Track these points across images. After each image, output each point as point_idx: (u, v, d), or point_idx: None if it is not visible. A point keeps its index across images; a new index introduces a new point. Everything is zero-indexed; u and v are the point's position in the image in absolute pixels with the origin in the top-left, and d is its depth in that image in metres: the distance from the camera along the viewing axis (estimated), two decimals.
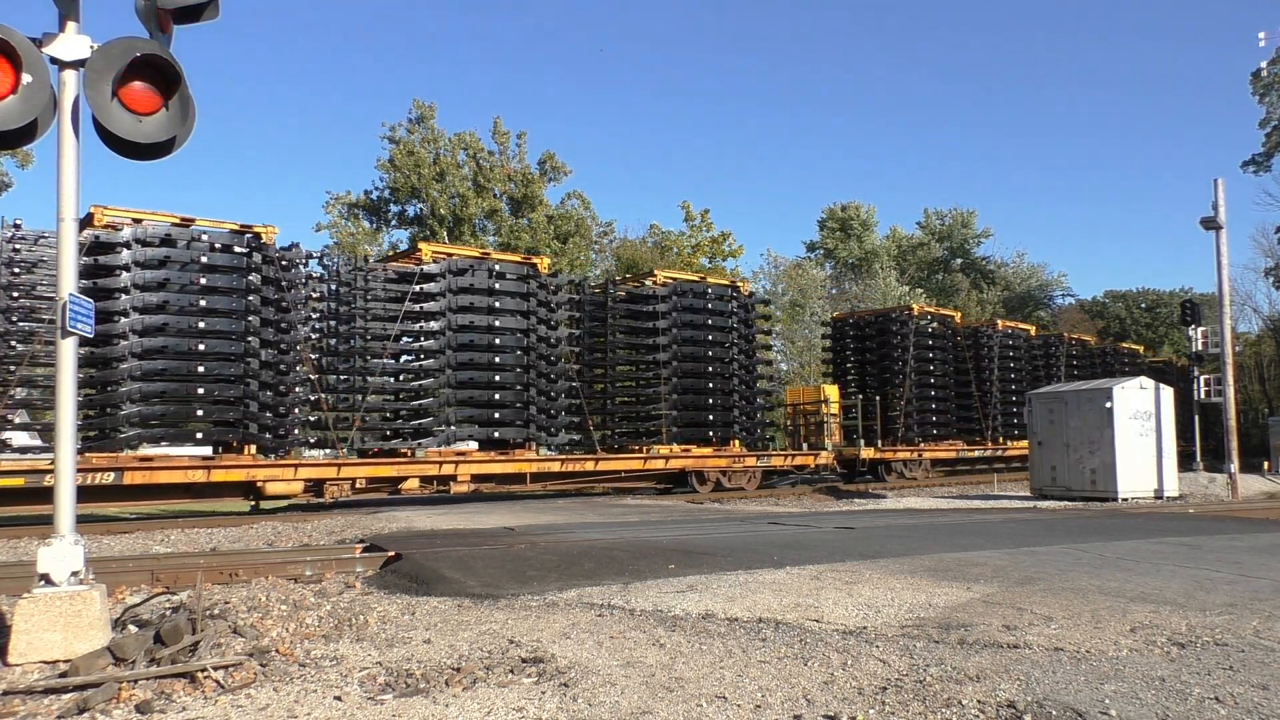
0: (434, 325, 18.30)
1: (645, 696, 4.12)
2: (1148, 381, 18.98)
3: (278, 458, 16.25)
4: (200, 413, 15.54)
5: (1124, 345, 38.35)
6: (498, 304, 19.02)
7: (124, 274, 15.08)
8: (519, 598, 6.62)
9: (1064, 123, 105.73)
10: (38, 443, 15.83)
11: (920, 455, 26.63)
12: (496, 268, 19.27)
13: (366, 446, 18.20)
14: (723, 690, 4.21)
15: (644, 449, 21.33)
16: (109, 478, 14.41)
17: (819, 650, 4.92)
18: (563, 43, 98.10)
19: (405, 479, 17.72)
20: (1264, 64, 42.62)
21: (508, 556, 8.64)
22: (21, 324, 14.76)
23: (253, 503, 16.82)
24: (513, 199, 44.62)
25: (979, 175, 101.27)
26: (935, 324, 27.86)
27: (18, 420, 15.67)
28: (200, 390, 15.53)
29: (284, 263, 16.59)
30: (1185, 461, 24.47)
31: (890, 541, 9.77)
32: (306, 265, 17.03)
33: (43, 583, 4.94)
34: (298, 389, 16.55)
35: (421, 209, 44.51)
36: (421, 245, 19.31)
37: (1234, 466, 19.88)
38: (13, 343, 14.79)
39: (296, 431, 16.52)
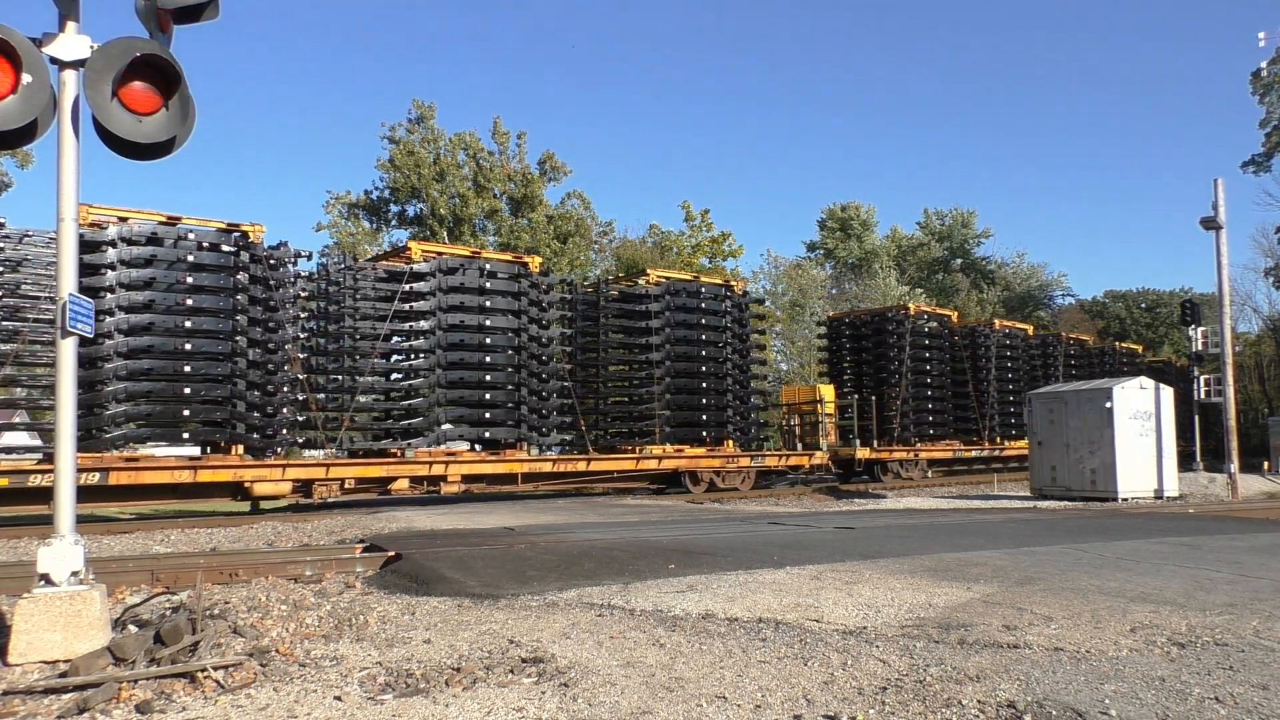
0: (424, 325, 18.27)
1: (645, 696, 4.13)
2: (1148, 381, 19.01)
3: (267, 458, 16.20)
4: (187, 413, 15.50)
5: (1122, 345, 38.36)
6: (488, 303, 18.99)
7: (110, 273, 15.03)
8: (519, 598, 6.64)
9: (1064, 123, 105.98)
10: (26, 442, 15.78)
11: (917, 455, 26.64)
12: (487, 267, 19.24)
13: (356, 447, 18.18)
14: (723, 690, 4.22)
15: (637, 449, 21.32)
16: (94, 478, 14.36)
17: (819, 650, 4.93)
18: (563, 43, 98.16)
19: (395, 479, 17.67)
20: (1264, 64, 42.72)
21: (508, 556, 8.66)
22: (5, 323, 14.59)
23: (252, 503, 16.77)
24: (513, 199, 44.67)
25: (979, 175, 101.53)
26: (932, 324, 27.90)
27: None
28: (187, 390, 15.48)
29: (272, 261, 16.51)
30: (1185, 461, 24.52)
31: (890, 541, 9.79)
32: (295, 264, 16.97)
33: (43, 583, 4.96)
34: (286, 389, 16.50)
35: (421, 209, 44.59)
36: (411, 244, 19.27)
37: (1234, 466, 19.92)
38: None
39: (285, 432, 16.47)
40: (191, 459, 15.72)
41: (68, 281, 5.22)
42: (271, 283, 16.41)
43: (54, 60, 5.07)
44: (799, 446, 25.55)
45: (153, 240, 15.47)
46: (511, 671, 4.58)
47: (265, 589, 7.27)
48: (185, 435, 15.56)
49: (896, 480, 25.64)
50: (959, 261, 63.20)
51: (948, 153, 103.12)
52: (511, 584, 7.15)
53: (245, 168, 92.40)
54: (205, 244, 15.86)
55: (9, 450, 15.31)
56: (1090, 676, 4.34)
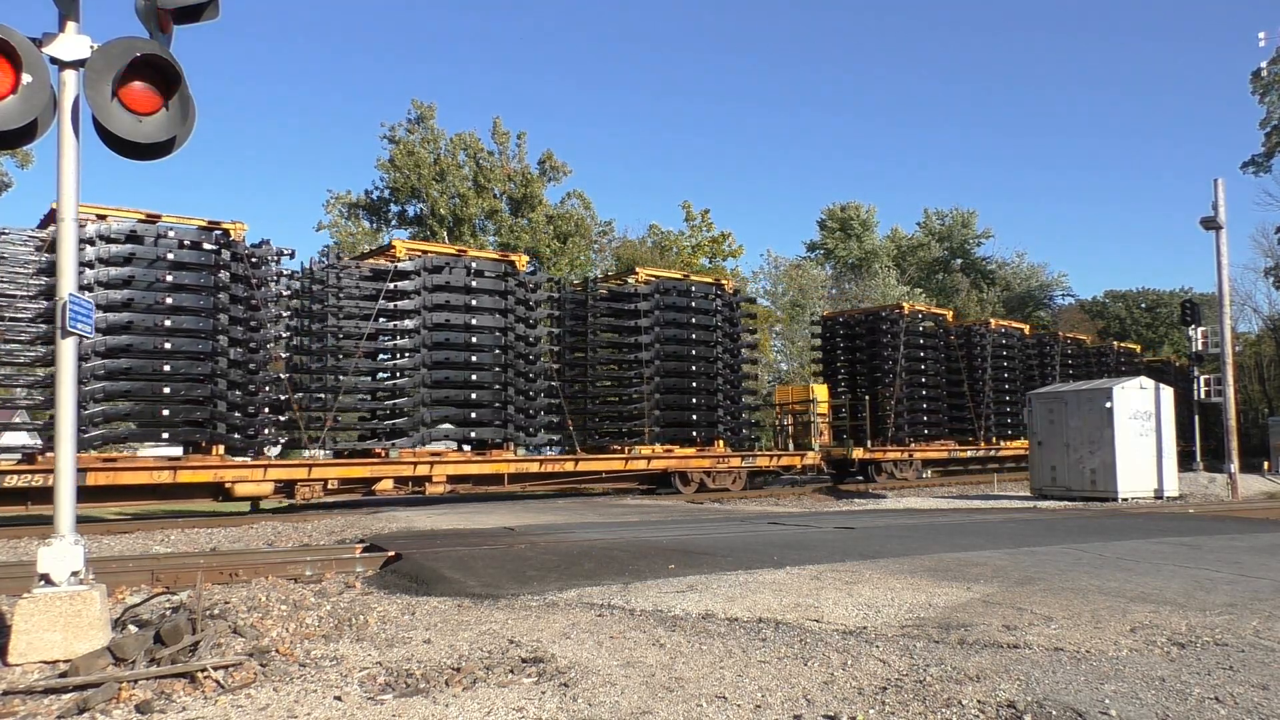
0: (409, 324, 18.21)
1: (645, 696, 4.15)
2: (1148, 381, 19.06)
3: (249, 458, 16.14)
4: (167, 413, 15.40)
5: (1120, 344, 38.34)
6: (474, 302, 18.92)
7: (88, 271, 14.93)
8: (519, 598, 6.66)
9: (1064, 123, 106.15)
10: (9, 442, 15.64)
11: (911, 456, 26.62)
12: (473, 265, 19.15)
13: (340, 447, 18.14)
14: (723, 690, 4.24)
15: (626, 449, 21.30)
16: None
17: (819, 650, 4.95)
18: (563, 43, 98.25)
19: (379, 480, 17.60)
20: (1264, 64, 42.72)
21: (508, 556, 8.68)
22: None
23: (252, 503, 16.75)
24: (513, 199, 44.73)
25: (979, 175, 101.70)
26: (927, 323, 27.85)
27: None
28: (167, 390, 15.38)
29: (254, 260, 16.44)
30: (1185, 461, 24.59)
31: (890, 541, 9.81)
32: (278, 262, 16.88)
33: (43, 583, 5.00)
34: (268, 388, 16.45)
35: (421, 209, 44.67)
36: (395, 242, 19.19)
37: (1234, 466, 19.97)
38: None
39: (267, 431, 16.40)
40: (172, 459, 15.66)
41: (68, 281, 5.22)
42: (253, 281, 16.32)
43: (54, 60, 5.11)
44: (791, 446, 25.54)
45: (132, 238, 15.39)
46: (511, 671, 4.60)
47: (265, 589, 7.32)
48: (165, 435, 15.49)
49: (891, 481, 25.66)
50: (959, 262, 63.29)
51: (948, 153, 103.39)
52: (511, 584, 7.17)
53: (245, 168, 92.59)
54: (185, 242, 15.77)
55: None
56: (1090, 676, 4.37)
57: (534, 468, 19.54)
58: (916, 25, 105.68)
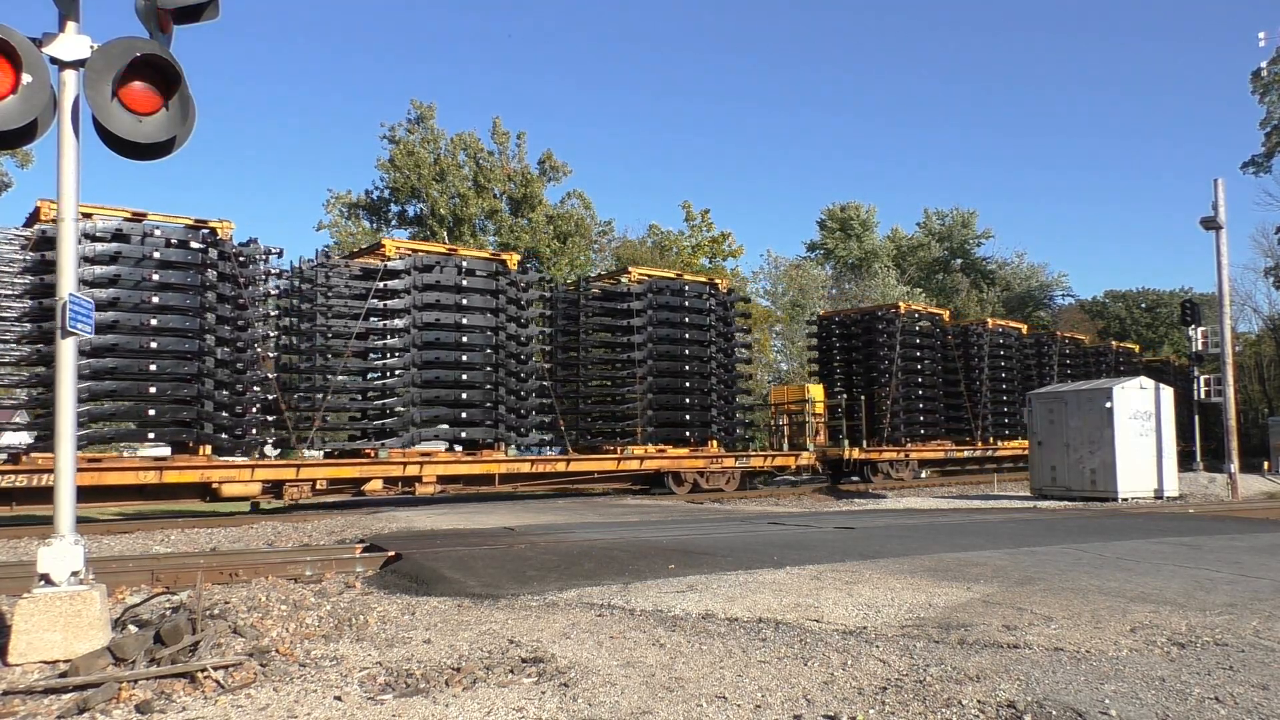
0: (399, 323, 18.17)
1: (645, 696, 4.16)
2: (1148, 381, 19.09)
3: (238, 458, 16.10)
4: (153, 412, 15.36)
5: (1118, 344, 38.34)
6: (465, 301, 18.88)
7: None
8: (519, 598, 6.68)
9: (1064, 123, 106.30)
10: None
11: (907, 456, 26.67)
12: (464, 264, 19.10)
13: (329, 447, 18.11)
14: (723, 690, 4.25)
15: (618, 449, 21.27)
16: (54, 479, 14.15)
17: (819, 650, 4.97)
18: (563, 43, 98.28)
19: (368, 480, 17.56)
20: (1264, 64, 42.80)
21: (508, 556, 8.70)
22: None
23: (252, 503, 16.74)
24: (513, 199, 44.77)
25: (979, 175, 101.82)
26: (923, 322, 27.87)
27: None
28: (153, 389, 15.33)
29: (241, 258, 16.39)
30: (1185, 461, 24.63)
31: (890, 541, 9.83)
32: (266, 261, 16.83)
33: (43, 583, 5.02)
34: (256, 388, 16.40)
35: (421, 209, 44.69)
36: (385, 241, 19.20)
37: (1234, 466, 20.02)
38: None
39: (255, 431, 16.36)
40: (158, 459, 15.62)
41: (68, 281, 5.23)
42: (241, 280, 16.28)
43: (54, 60, 5.14)
44: (785, 446, 25.56)
45: (118, 237, 15.34)
46: (511, 671, 4.62)
47: (265, 589, 7.35)
48: (152, 435, 15.47)
49: (887, 481, 25.69)
50: (959, 262, 63.37)
51: (948, 153, 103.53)
52: (511, 584, 7.19)
53: (245, 168, 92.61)
54: (172, 240, 15.74)
55: None
56: (1090, 676, 4.38)
57: (525, 468, 19.47)
58: (916, 25, 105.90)
